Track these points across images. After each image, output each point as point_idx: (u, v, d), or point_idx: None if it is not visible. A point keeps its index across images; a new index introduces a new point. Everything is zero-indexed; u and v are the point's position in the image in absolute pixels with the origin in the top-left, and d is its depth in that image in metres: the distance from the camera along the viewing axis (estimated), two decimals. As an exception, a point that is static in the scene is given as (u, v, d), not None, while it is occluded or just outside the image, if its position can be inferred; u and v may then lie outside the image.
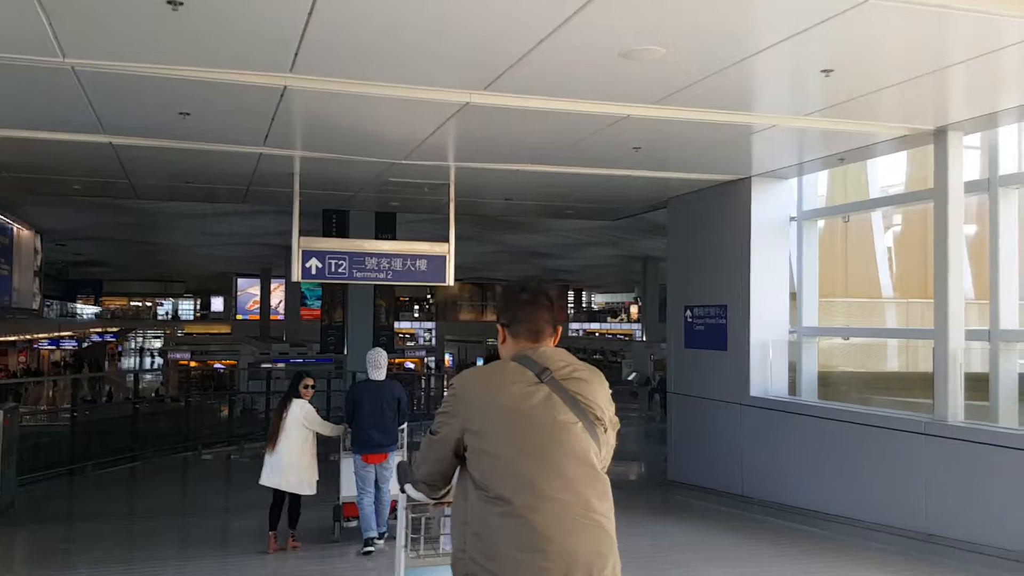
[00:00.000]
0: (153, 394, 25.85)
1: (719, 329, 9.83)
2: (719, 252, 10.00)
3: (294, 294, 38.01)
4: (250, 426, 17.45)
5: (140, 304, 63.62)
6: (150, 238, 27.98)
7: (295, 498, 7.52)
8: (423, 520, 3.63)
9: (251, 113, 6.76)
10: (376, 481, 7.48)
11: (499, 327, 2.71)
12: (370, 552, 7.23)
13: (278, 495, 7.49)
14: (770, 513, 8.85)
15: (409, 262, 9.27)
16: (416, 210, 12.93)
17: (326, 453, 8.54)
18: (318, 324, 22.83)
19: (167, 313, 62.74)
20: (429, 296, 60.36)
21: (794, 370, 9.52)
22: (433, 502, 3.09)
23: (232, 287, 49.90)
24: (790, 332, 9.54)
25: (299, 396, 7.58)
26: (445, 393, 2.72)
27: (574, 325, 59.44)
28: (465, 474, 2.51)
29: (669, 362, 11.20)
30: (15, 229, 25.22)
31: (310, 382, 7.74)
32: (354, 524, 7.66)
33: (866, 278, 10.75)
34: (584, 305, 67.20)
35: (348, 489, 7.76)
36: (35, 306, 31.04)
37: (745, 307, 9.45)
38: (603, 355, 42.56)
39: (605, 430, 2.54)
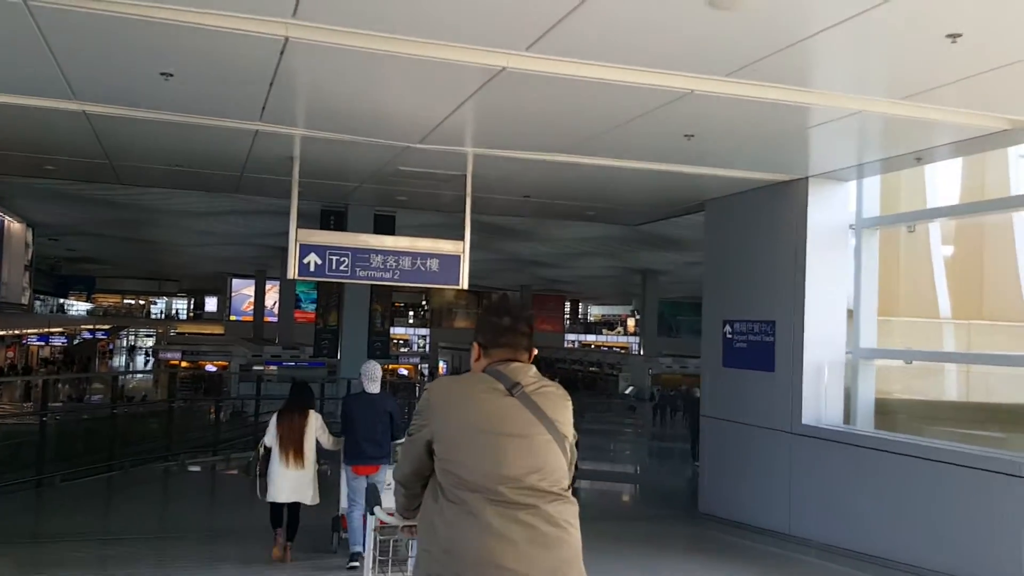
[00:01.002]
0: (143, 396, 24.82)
1: (765, 348, 8.75)
2: (767, 262, 8.93)
3: (289, 296, 37.22)
4: (240, 429, 16.45)
5: (133, 302, 62.79)
6: (145, 235, 27.24)
7: (295, 508, 7.17)
8: (391, 543, 3.59)
9: (246, 76, 5.71)
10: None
11: (475, 344, 2.72)
12: (355, 567, 6.89)
13: (275, 506, 7.16)
14: (825, 556, 7.77)
15: (419, 261, 8.28)
16: (425, 206, 11.85)
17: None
18: (312, 327, 21.89)
19: (161, 312, 61.95)
20: (424, 302, 59.41)
21: (848, 396, 8.48)
22: (403, 524, 3.07)
23: (227, 287, 49.00)
24: (846, 353, 8.48)
25: (312, 406, 7.34)
26: (421, 395, 2.78)
27: (570, 336, 58.46)
28: (435, 477, 2.55)
29: (703, 382, 10.12)
30: (5, 222, 24.38)
31: None
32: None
33: (922, 296, 9.71)
34: (580, 316, 66.30)
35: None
36: (24, 301, 30.16)
37: (798, 324, 8.37)
38: (599, 367, 41.32)
39: (570, 445, 2.58)
